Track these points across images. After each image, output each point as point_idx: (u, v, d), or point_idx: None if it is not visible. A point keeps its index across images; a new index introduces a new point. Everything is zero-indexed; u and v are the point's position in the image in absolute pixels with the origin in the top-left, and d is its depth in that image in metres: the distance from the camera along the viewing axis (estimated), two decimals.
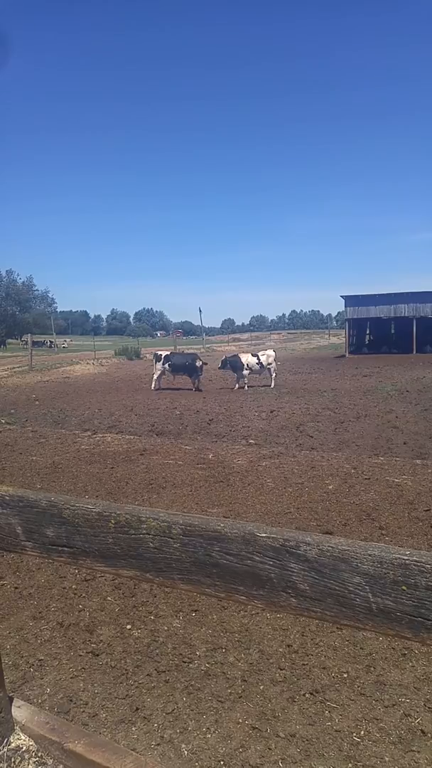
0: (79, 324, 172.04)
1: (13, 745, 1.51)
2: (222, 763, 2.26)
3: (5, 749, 1.49)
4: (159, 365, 17.92)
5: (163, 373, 17.93)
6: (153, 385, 17.86)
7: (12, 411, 13.74)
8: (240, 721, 2.49)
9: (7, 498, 1.54)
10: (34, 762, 1.49)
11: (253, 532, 1.23)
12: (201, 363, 17.92)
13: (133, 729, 2.47)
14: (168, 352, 19.06)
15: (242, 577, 1.25)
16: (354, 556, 1.12)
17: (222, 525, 1.27)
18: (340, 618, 1.16)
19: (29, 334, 35.49)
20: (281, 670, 2.85)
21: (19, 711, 1.60)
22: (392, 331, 42.20)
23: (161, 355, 18.35)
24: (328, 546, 1.15)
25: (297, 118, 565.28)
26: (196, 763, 2.26)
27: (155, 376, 17.94)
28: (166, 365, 17.90)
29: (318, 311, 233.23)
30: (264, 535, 1.22)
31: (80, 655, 3.04)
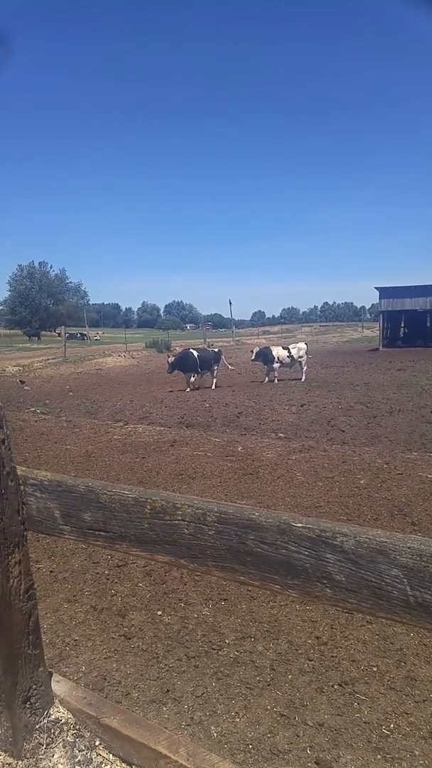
0: (111, 316, 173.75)
1: (52, 717, 1.58)
2: (250, 746, 2.29)
3: (45, 720, 1.56)
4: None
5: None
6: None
7: (47, 401, 14.03)
8: (268, 707, 2.52)
9: (46, 483, 1.59)
10: (72, 734, 1.55)
11: (288, 521, 1.25)
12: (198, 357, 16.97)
13: (164, 709, 2.53)
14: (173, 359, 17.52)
15: (276, 566, 1.27)
16: (392, 548, 1.13)
17: (257, 514, 1.29)
18: (376, 610, 1.17)
19: (63, 326, 36.09)
20: (310, 660, 2.86)
21: (58, 685, 1.67)
22: (428, 324, 41.32)
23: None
24: (366, 537, 1.16)
25: (333, 106, 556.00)
26: (225, 745, 2.30)
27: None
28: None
29: (351, 303, 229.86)
30: (300, 525, 1.24)
31: (113, 638, 3.12)
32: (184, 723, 2.43)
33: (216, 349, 19.05)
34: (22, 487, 1.59)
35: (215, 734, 2.36)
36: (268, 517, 1.25)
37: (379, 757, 2.22)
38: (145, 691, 2.65)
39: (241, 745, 2.30)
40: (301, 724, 2.41)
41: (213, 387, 16.86)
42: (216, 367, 17.54)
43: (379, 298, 37.94)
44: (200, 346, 21.13)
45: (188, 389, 16.13)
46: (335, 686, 2.65)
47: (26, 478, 1.60)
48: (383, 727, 2.39)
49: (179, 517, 1.36)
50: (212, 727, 2.40)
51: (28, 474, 1.61)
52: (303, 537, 1.21)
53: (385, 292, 37.31)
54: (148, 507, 1.38)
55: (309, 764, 2.18)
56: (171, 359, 17.07)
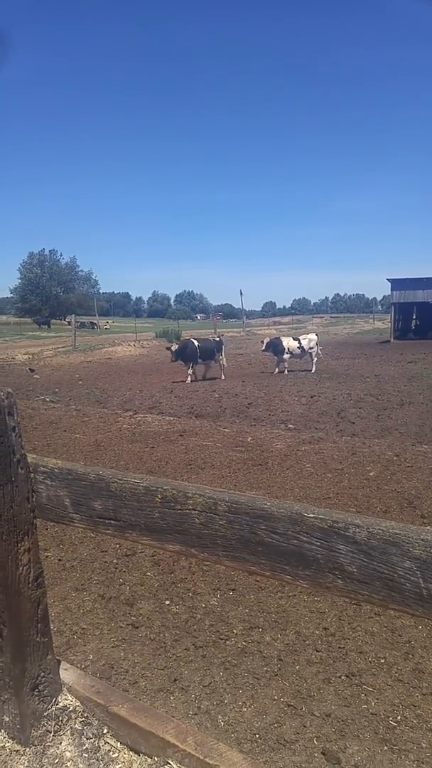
0: (121, 305, 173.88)
1: (60, 704, 1.58)
2: (257, 736, 2.30)
3: (53, 708, 1.56)
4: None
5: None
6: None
7: (56, 390, 14.10)
8: (275, 698, 2.52)
9: (56, 471, 1.59)
10: (80, 722, 1.55)
11: (300, 512, 1.23)
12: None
13: (172, 698, 2.54)
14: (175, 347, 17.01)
15: (288, 556, 1.25)
16: (406, 540, 1.10)
17: (268, 504, 1.28)
18: (388, 602, 1.15)
19: (73, 315, 36.17)
20: (317, 651, 2.86)
21: (66, 673, 1.67)
22: None
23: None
24: (379, 529, 1.14)
25: (343, 94, 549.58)
26: (232, 735, 2.30)
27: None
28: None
29: (363, 295, 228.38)
30: (312, 515, 1.22)
31: (121, 627, 3.13)
32: (191, 712, 2.44)
33: (217, 338, 18.73)
34: (32, 475, 1.58)
35: (222, 723, 2.37)
36: (279, 508, 1.23)
37: (385, 748, 2.22)
38: (153, 680, 2.66)
39: (247, 735, 2.30)
40: (308, 715, 2.41)
41: (222, 377, 16.70)
42: (221, 357, 17.30)
43: (391, 290, 37.66)
44: (209, 336, 20.31)
45: (188, 380, 15.86)
46: (342, 677, 2.65)
47: (36, 465, 1.59)
48: (390, 718, 2.38)
49: (190, 507, 1.34)
50: (219, 717, 2.41)
51: (39, 461, 1.60)
52: (315, 528, 1.18)
53: (397, 284, 37.01)
54: (158, 496, 1.37)
55: (315, 754, 2.18)
56: (174, 347, 16.76)
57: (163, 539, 1.41)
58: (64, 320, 66.23)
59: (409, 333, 39.79)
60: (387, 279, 37.40)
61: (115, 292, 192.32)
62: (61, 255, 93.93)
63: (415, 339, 36.35)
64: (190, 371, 16.14)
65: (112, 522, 1.49)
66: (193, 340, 17.13)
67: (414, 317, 43.35)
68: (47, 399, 12.16)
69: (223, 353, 17.50)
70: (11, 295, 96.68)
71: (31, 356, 24.94)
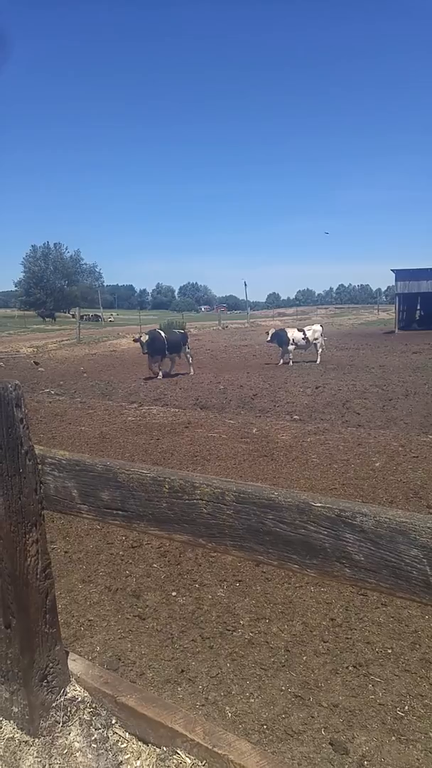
0: (125, 298, 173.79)
1: (69, 695, 1.58)
2: (265, 727, 2.30)
3: (62, 699, 1.56)
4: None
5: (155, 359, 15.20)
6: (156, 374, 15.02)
7: (61, 383, 14.11)
8: (283, 688, 2.53)
9: (64, 462, 1.58)
10: (89, 712, 1.56)
11: (307, 501, 1.22)
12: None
13: (179, 689, 2.55)
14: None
15: (295, 545, 1.24)
16: (413, 528, 1.09)
17: (276, 494, 1.27)
18: (396, 590, 1.14)
19: (77, 308, 36.14)
20: (324, 642, 2.86)
21: (75, 664, 1.67)
22: None
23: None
24: (386, 517, 1.13)
25: (348, 86, 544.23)
26: (240, 725, 2.31)
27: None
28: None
29: (367, 285, 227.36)
30: (319, 504, 1.21)
31: (127, 618, 3.14)
32: (198, 703, 2.45)
33: (182, 331, 17.27)
34: (40, 467, 1.58)
35: (230, 714, 2.38)
36: (287, 497, 1.22)
37: (393, 738, 2.22)
38: (160, 671, 2.67)
39: (255, 726, 2.31)
40: (315, 705, 2.41)
41: (192, 372, 15.55)
42: (188, 350, 16.06)
43: (395, 281, 37.44)
44: (173, 329, 18.30)
45: (160, 375, 14.68)
46: (350, 668, 2.65)
47: (44, 457, 1.59)
48: (398, 709, 2.38)
49: (198, 497, 1.33)
50: (227, 708, 2.42)
51: (46, 453, 1.60)
52: (322, 517, 1.17)
53: (401, 275, 36.80)
54: (166, 486, 1.36)
55: (323, 745, 2.18)
56: (144, 338, 15.08)
57: (170, 529, 1.41)
58: (69, 313, 66.31)
59: (413, 323, 39.61)
60: (391, 270, 37.18)
61: (119, 284, 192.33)
62: (66, 248, 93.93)
63: (419, 329, 36.18)
64: (157, 365, 15.00)
65: (120, 513, 1.48)
66: (159, 332, 15.86)
67: (418, 308, 43.15)
68: (52, 392, 12.17)
69: (188, 346, 16.31)
70: (15, 288, 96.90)
71: (35, 349, 24.95)
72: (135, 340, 16.08)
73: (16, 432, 1.45)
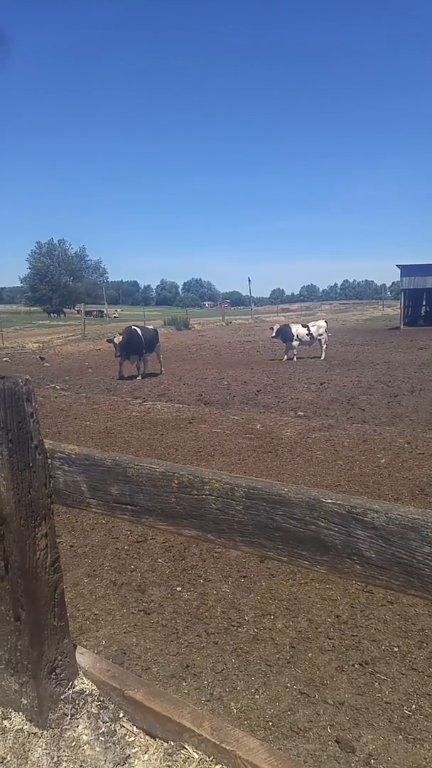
0: (130, 294, 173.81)
1: (77, 688, 1.58)
2: (270, 723, 2.30)
3: (70, 691, 1.56)
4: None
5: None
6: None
7: (66, 378, 14.13)
8: (288, 685, 2.53)
9: (74, 456, 1.58)
10: (97, 705, 1.56)
11: (318, 497, 1.21)
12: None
13: (184, 684, 2.55)
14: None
15: (306, 542, 1.24)
16: (425, 525, 1.09)
17: (286, 489, 1.26)
18: (407, 588, 1.14)
19: (82, 304, 36.20)
20: (330, 639, 2.86)
21: (82, 657, 1.67)
22: None
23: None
24: (398, 514, 1.12)
25: (352, 82, 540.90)
26: (245, 722, 2.31)
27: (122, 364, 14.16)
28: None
29: (372, 281, 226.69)
30: (330, 501, 1.20)
31: (133, 613, 3.15)
32: (203, 698, 2.45)
33: (152, 327, 16.17)
34: (49, 461, 1.58)
35: (235, 710, 2.38)
36: (297, 493, 1.22)
37: (400, 737, 2.21)
38: (165, 666, 2.67)
39: (261, 722, 2.31)
40: (321, 703, 2.41)
41: (162, 371, 14.66)
42: (158, 348, 15.02)
43: (401, 276, 37.32)
44: (144, 324, 16.98)
45: (139, 377, 13.72)
46: (356, 665, 2.65)
47: (54, 451, 1.59)
48: (405, 707, 2.37)
49: (207, 492, 1.33)
50: (232, 703, 2.42)
51: (56, 447, 1.60)
52: (333, 513, 1.17)
53: (406, 270, 36.65)
54: (175, 481, 1.36)
55: (329, 743, 2.18)
56: (117, 339, 13.86)
57: (179, 524, 1.40)
58: (74, 308, 66.40)
59: (418, 319, 39.45)
60: (396, 265, 37.04)
61: (124, 280, 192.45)
62: (69, 244, 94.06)
63: (425, 325, 36.04)
64: (135, 364, 13.98)
65: (129, 507, 1.48)
66: (136, 329, 14.49)
67: (424, 303, 42.94)
68: (57, 387, 12.19)
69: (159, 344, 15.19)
70: (21, 284, 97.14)
71: (41, 345, 25.02)
72: (109, 341, 14.79)
73: (27, 426, 1.45)
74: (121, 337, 13.85)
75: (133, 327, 14.76)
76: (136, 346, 14.00)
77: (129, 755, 1.47)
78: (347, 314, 61.80)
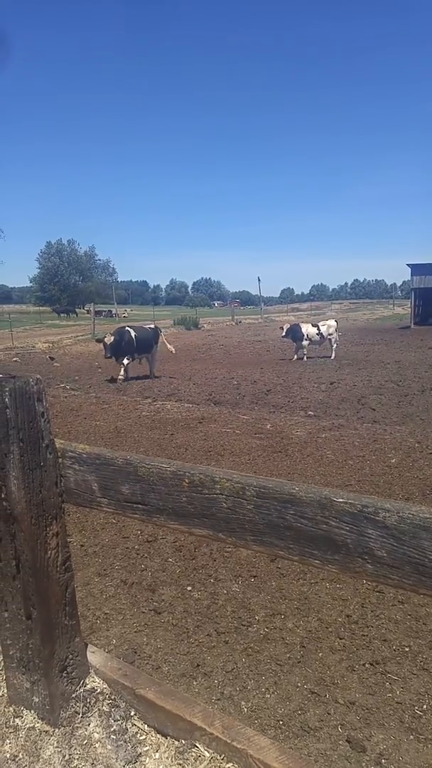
0: (139, 294, 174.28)
1: (88, 686, 1.59)
2: (281, 722, 2.30)
3: (81, 690, 1.57)
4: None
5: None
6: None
7: (76, 378, 14.20)
8: (299, 685, 2.52)
9: (84, 456, 1.59)
10: (108, 704, 1.57)
11: (329, 496, 1.21)
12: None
13: (195, 683, 2.55)
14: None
15: (317, 541, 1.24)
16: None
17: (297, 489, 1.26)
18: (419, 587, 1.13)
19: (92, 303, 36.34)
20: (340, 639, 2.85)
21: (93, 656, 1.68)
22: None
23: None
24: (409, 513, 1.12)
25: (363, 80, 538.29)
26: (256, 721, 2.31)
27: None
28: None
29: (382, 280, 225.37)
30: (341, 500, 1.20)
31: (143, 612, 3.16)
32: (214, 697, 2.45)
33: (152, 326, 15.73)
34: (60, 460, 1.58)
35: (246, 709, 2.38)
36: (308, 492, 1.22)
37: (411, 737, 2.20)
38: (176, 665, 2.68)
39: (271, 721, 2.30)
40: (331, 702, 2.40)
41: (152, 374, 14.09)
42: (155, 349, 14.57)
43: (411, 275, 37.16)
44: (144, 325, 16.39)
45: (120, 378, 13.19)
46: (366, 665, 2.64)
47: (65, 450, 1.60)
48: (416, 707, 2.36)
49: (218, 491, 1.33)
50: (242, 702, 2.42)
51: (67, 447, 1.61)
52: (344, 512, 1.17)
53: (417, 269, 36.47)
54: (186, 480, 1.36)
55: (340, 742, 2.17)
56: (108, 340, 13.47)
57: (190, 524, 1.41)
58: (84, 308, 66.69)
59: (429, 318, 39.16)
60: (407, 264, 36.91)
61: (133, 280, 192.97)
62: (79, 245, 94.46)
63: None
64: (124, 366, 13.39)
65: (140, 506, 1.48)
66: (128, 329, 14.10)
67: None
68: (67, 386, 12.25)
69: (158, 344, 14.66)
70: (31, 284, 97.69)
71: (50, 344, 25.15)
72: (98, 341, 14.39)
73: (37, 425, 1.46)
74: (112, 338, 13.54)
75: (126, 327, 14.36)
76: (126, 348, 13.60)
77: (140, 753, 1.48)
78: (357, 314, 61.54)
